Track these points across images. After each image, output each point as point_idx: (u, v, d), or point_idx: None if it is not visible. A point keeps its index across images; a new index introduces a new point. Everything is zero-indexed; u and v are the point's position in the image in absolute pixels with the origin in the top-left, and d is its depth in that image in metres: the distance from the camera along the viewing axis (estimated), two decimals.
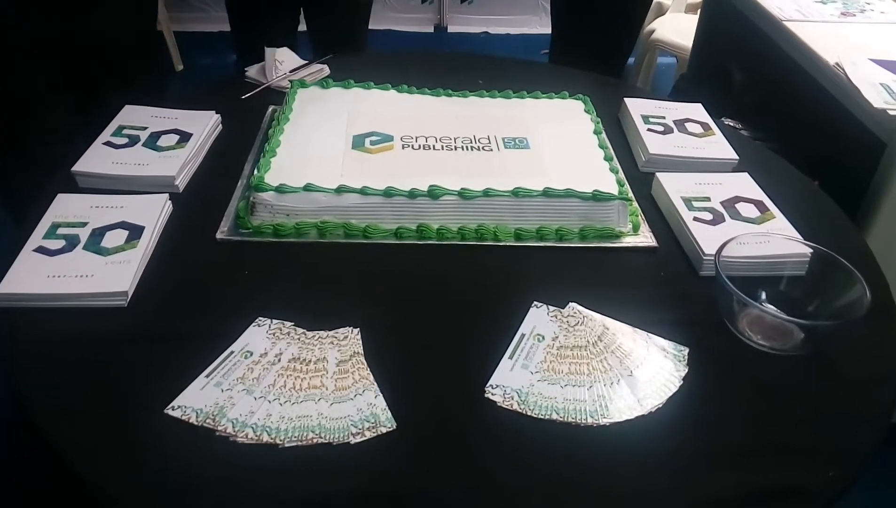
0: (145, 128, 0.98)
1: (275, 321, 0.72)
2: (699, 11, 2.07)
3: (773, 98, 1.57)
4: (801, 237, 0.85)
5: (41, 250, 0.77)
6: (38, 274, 0.74)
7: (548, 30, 2.06)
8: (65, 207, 0.83)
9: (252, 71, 1.19)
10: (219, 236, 0.84)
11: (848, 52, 1.28)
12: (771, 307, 0.76)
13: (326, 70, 1.22)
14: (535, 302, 0.77)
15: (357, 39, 1.76)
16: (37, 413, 0.62)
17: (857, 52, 1.30)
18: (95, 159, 0.91)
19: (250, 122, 1.07)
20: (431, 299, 0.79)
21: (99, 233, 0.79)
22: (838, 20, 1.50)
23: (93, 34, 1.10)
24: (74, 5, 1.05)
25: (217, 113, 1.04)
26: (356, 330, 0.72)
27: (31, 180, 0.88)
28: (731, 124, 1.47)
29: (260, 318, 0.72)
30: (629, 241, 0.89)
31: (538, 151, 0.99)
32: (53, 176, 0.89)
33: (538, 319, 0.75)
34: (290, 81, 1.10)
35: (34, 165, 0.91)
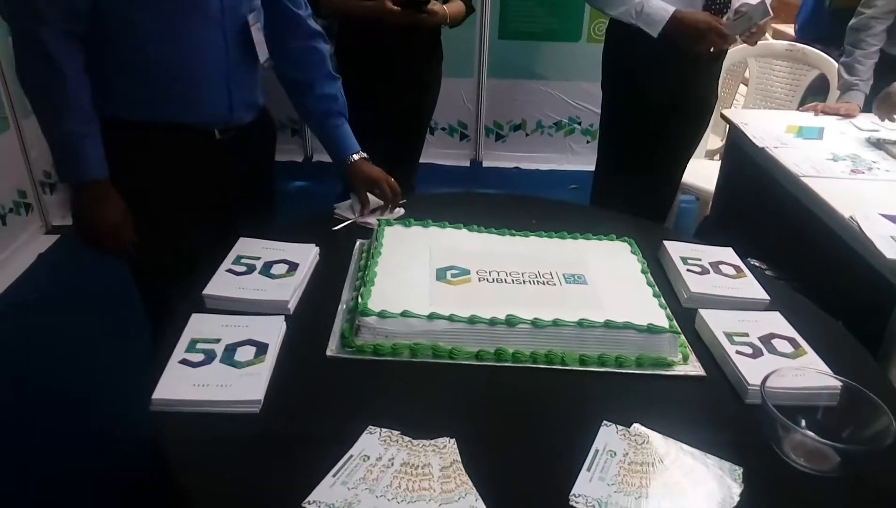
0: (259, 258, 1.15)
1: (384, 430, 0.84)
2: (720, 160, 2.29)
3: (793, 243, 1.73)
4: (830, 372, 0.97)
5: (185, 362, 0.91)
6: (184, 383, 0.88)
7: (573, 166, 2.27)
8: (200, 325, 0.98)
9: (340, 208, 1.39)
10: (328, 353, 0.98)
11: (860, 207, 1.45)
12: (811, 433, 0.87)
13: (402, 210, 1.41)
14: (605, 421, 0.89)
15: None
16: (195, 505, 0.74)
17: (868, 206, 1.47)
18: (221, 285, 1.08)
19: (341, 252, 1.24)
20: (511, 414, 0.91)
21: (231, 349, 0.94)
22: (849, 176, 1.68)
23: (231, 174, 1.33)
24: (230, 150, 1.32)
25: (316, 246, 1.21)
26: (452, 440, 0.84)
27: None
28: (757, 264, 1.63)
29: (371, 426, 0.85)
30: (680, 369, 1.01)
31: (594, 287, 1.14)
32: (186, 297, 1.05)
33: (609, 436, 0.87)
34: (378, 220, 1.29)
35: (181, 285, 1.08)
